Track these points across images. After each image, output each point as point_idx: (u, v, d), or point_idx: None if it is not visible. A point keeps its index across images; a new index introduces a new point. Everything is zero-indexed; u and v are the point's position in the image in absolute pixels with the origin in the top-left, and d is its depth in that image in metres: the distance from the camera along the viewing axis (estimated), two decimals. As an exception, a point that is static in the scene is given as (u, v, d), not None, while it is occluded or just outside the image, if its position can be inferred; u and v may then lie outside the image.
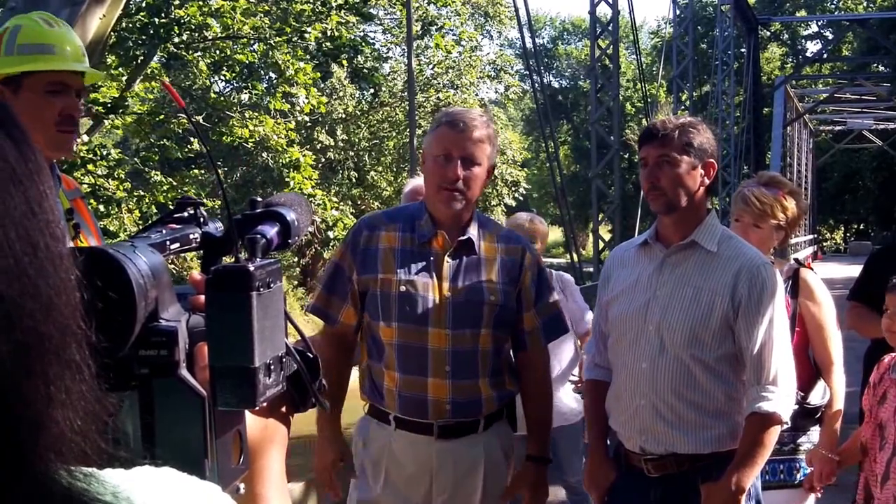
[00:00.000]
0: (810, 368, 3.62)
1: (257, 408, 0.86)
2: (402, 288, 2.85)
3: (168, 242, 0.95)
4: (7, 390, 0.54)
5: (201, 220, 1.02)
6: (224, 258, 0.99)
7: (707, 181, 2.89)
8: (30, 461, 0.55)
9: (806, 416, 3.61)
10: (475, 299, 2.87)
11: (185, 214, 1.02)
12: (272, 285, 0.88)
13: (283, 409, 0.99)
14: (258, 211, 1.01)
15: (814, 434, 3.65)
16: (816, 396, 3.64)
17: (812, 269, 3.75)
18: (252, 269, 0.85)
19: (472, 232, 2.91)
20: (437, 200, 2.88)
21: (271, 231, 0.98)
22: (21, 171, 0.59)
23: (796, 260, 3.82)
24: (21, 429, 0.55)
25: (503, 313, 2.90)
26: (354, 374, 3.18)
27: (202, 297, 0.87)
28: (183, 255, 0.99)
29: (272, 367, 0.87)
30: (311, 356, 0.97)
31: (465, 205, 2.87)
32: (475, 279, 2.88)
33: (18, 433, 0.55)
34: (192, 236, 1.00)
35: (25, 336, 0.56)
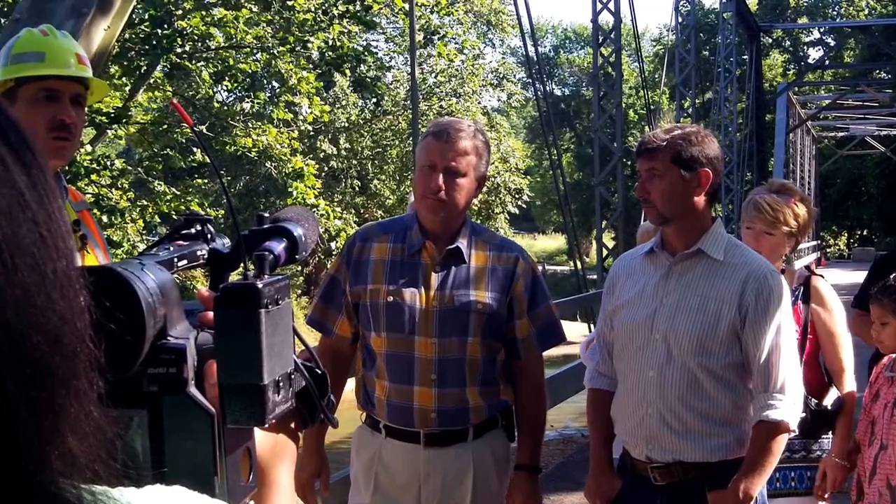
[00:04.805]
0: (823, 375, 3.62)
1: (266, 425, 0.86)
2: (390, 298, 2.88)
3: (176, 259, 0.95)
4: (13, 420, 0.54)
5: (209, 236, 1.02)
6: (231, 274, 0.99)
7: (701, 190, 2.86)
8: (38, 483, 0.55)
9: (820, 422, 3.61)
10: (462, 308, 2.87)
11: (193, 231, 1.02)
12: (280, 302, 0.88)
13: (292, 424, 0.99)
14: (265, 227, 1.01)
15: (825, 442, 3.65)
16: (831, 404, 3.64)
17: (822, 276, 3.77)
18: (260, 286, 0.85)
19: (462, 241, 2.92)
20: (421, 209, 2.92)
21: (279, 247, 0.98)
22: (30, 195, 0.57)
23: (807, 267, 3.83)
24: (28, 453, 0.54)
25: (492, 321, 2.90)
26: (351, 384, 3.18)
27: (210, 314, 0.87)
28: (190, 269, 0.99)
29: (281, 384, 0.87)
30: (320, 372, 0.97)
31: (449, 214, 2.88)
32: (463, 288, 2.89)
33: (26, 458, 0.54)
34: (199, 253, 0.99)
35: (32, 368, 0.55)
